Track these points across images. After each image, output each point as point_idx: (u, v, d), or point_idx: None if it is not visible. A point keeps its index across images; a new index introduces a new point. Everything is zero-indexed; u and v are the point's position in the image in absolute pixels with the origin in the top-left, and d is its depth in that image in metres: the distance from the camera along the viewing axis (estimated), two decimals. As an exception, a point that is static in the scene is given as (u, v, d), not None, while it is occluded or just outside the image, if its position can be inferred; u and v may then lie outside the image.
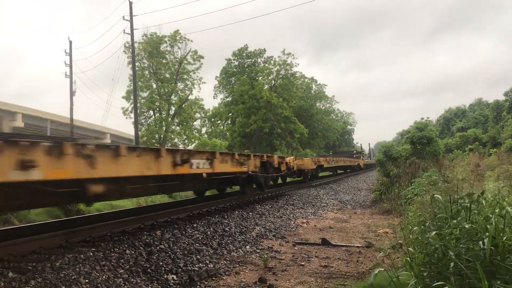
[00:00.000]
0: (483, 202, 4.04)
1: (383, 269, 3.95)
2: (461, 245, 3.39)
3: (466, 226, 3.50)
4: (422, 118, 63.65)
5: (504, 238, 3.30)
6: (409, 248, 4.48)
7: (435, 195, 4.46)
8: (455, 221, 3.70)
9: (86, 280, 5.08)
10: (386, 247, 7.76)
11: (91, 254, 5.89)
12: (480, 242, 3.27)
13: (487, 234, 3.31)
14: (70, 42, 39.78)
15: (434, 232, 3.74)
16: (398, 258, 5.91)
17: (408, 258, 4.09)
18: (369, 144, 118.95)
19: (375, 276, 3.71)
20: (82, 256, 5.71)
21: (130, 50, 34.28)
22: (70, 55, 39.86)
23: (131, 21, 31.88)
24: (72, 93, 39.04)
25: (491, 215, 3.58)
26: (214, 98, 68.33)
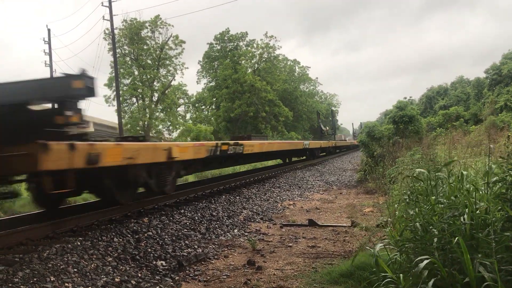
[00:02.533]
0: (463, 175, 4.12)
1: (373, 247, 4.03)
2: (443, 221, 3.47)
3: (445, 201, 3.58)
4: (405, 98, 64.12)
5: (477, 211, 3.39)
6: (395, 225, 4.57)
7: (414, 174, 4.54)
8: (434, 197, 3.78)
9: (75, 270, 5.08)
10: (372, 226, 7.90)
11: (79, 243, 5.87)
12: (462, 218, 3.35)
13: (466, 209, 3.39)
14: (49, 30, 39.18)
15: (416, 209, 3.82)
16: (384, 236, 6.02)
17: (393, 235, 4.18)
18: (328, 113, 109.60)
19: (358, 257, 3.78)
20: (69, 245, 5.70)
21: (110, 36, 33.76)
22: (49, 43, 39.21)
23: (110, 7, 31.37)
24: (52, 82, 38.39)
25: (469, 190, 3.66)
26: (197, 83, 68.00)
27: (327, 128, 55.41)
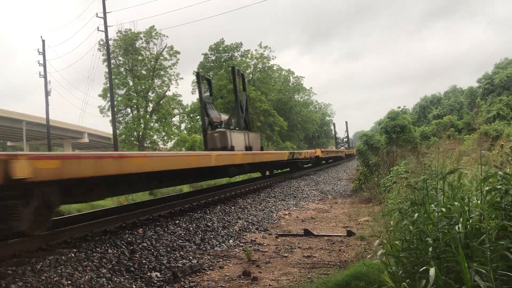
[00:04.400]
0: (458, 184, 4.14)
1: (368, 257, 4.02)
2: (438, 230, 3.48)
3: (440, 210, 3.59)
4: (399, 107, 64.34)
5: (470, 221, 3.40)
6: (390, 235, 4.56)
7: (410, 181, 4.55)
8: (429, 206, 3.79)
9: (69, 282, 5.03)
10: (367, 236, 7.89)
11: (73, 255, 5.83)
12: (456, 227, 3.35)
13: (461, 219, 3.40)
14: (43, 41, 39.17)
15: (410, 219, 3.82)
16: (379, 245, 6.02)
17: (389, 245, 4.17)
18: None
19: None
20: (63, 257, 5.65)
21: (105, 47, 33.81)
22: (44, 54, 39.21)
23: (104, 18, 31.45)
24: (47, 93, 38.41)
25: (464, 199, 3.67)
26: (192, 94, 67.91)
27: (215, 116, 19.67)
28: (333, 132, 77.89)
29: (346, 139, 77.70)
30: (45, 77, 39.03)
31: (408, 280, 3.44)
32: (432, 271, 2.98)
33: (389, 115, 19.23)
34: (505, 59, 47.97)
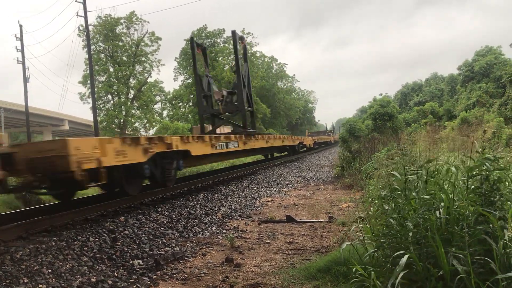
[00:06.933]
0: (438, 172, 4.19)
1: (349, 243, 4.06)
2: (418, 216, 3.52)
3: (426, 196, 3.63)
4: (381, 94, 64.81)
5: (455, 206, 3.45)
6: (371, 220, 4.62)
7: (391, 170, 4.59)
8: (413, 193, 3.83)
9: (49, 270, 4.98)
10: (348, 221, 7.97)
11: (53, 243, 5.76)
12: (437, 212, 3.40)
13: (442, 204, 3.44)
14: (20, 26, 38.15)
15: (392, 205, 3.86)
16: (360, 231, 6.08)
17: (369, 230, 4.22)
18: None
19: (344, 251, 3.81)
20: (43, 246, 5.58)
21: (85, 33, 33.17)
22: (21, 40, 38.28)
23: (84, 3, 30.79)
24: (25, 79, 37.58)
25: (445, 185, 3.72)
26: (174, 81, 67.33)
27: None
28: (316, 119, 65.42)
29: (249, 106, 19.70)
30: (23, 63, 38.19)
31: (388, 265, 3.49)
32: (404, 259, 3.03)
33: (380, 102, 19.35)
34: (485, 46, 48.52)
